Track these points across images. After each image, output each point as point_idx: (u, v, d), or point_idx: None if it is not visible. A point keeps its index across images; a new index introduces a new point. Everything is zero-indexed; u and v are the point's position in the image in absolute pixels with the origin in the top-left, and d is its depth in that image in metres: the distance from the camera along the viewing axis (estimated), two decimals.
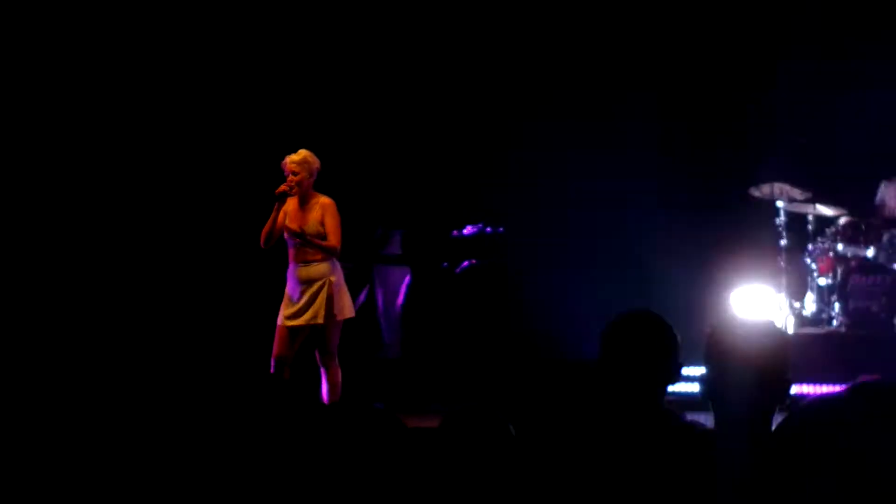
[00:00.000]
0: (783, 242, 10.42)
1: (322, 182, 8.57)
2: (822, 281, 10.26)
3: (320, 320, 8.27)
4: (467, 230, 10.98)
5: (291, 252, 8.36)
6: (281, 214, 8.31)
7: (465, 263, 10.88)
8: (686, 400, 4.69)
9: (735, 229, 10.57)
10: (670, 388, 3.74)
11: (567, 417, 4.17)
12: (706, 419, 3.61)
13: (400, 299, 10.68)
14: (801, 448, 3.28)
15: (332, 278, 8.30)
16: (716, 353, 3.46)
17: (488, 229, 10.96)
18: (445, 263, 10.91)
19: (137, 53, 10.77)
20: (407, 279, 10.75)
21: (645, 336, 3.69)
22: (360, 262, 10.69)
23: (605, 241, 10.74)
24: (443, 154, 11.20)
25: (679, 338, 3.71)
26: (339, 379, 8.42)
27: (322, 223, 8.28)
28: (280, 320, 8.38)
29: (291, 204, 8.35)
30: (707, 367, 3.50)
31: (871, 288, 10.08)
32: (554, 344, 9.47)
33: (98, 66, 10.70)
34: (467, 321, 10.65)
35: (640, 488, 3.49)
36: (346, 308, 8.43)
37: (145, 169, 10.79)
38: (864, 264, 10.11)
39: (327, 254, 8.29)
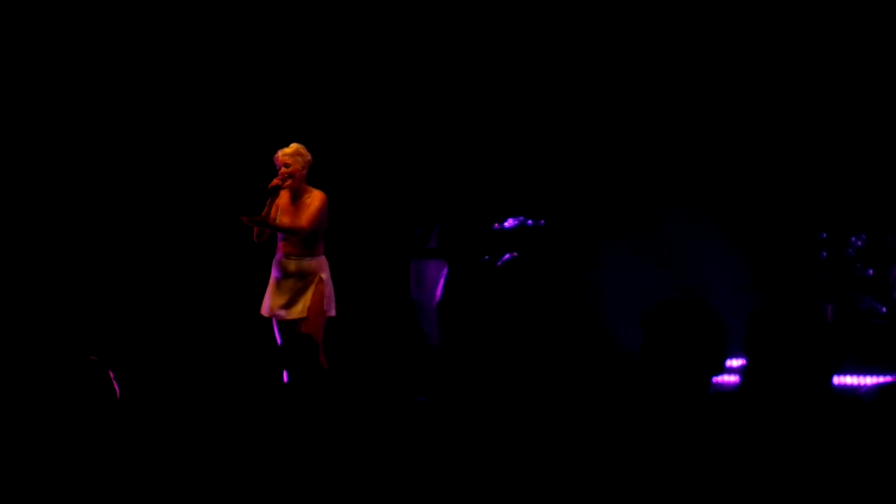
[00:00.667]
0: (825, 234, 10.37)
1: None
2: (865, 271, 10.20)
3: (306, 314, 8.21)
4: (508, 223, 10.97)
5: (280, 244, 8.33)
6: (273, 208, 8.26)
7: (507, 256, 10.88)
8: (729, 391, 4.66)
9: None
10: (716, 379, 3.69)
11: (612, 408, 4.13)
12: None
13: (438, 293, 10.68)
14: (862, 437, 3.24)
15: (323, 275, 8.26)
16: (755, 342, 3.41)
17: (529, 222, 10.94)
18: (486, 257, 10.91)
19: (143, 50, 10.80)
20: (444, 272, 10.76)
21: (690, 323, 3.61)
22: (400, 258, 10.70)
23: (648, 232, 10.72)
24: (484, 147, 11.18)
25: (726, 328, 3.65)
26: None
27: None
28: (267, 311, 8.36)
29: (284, 197, 8.30)
30: (747, 357, 3.45)
31: None
32: (597, 336, 9.42)
33: (98, 63, 10.72)
34: (508, 314, 10.63)
35: (687, 479, 3.44)
36: (331, 306, 8.36)
37: (141, 164, 10.82)
38: None
39: (291, 234, 8.23)
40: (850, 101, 10.59)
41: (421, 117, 11.16)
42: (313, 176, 8.46)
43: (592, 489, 3.56)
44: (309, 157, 8.30)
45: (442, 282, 10.71)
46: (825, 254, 10.43)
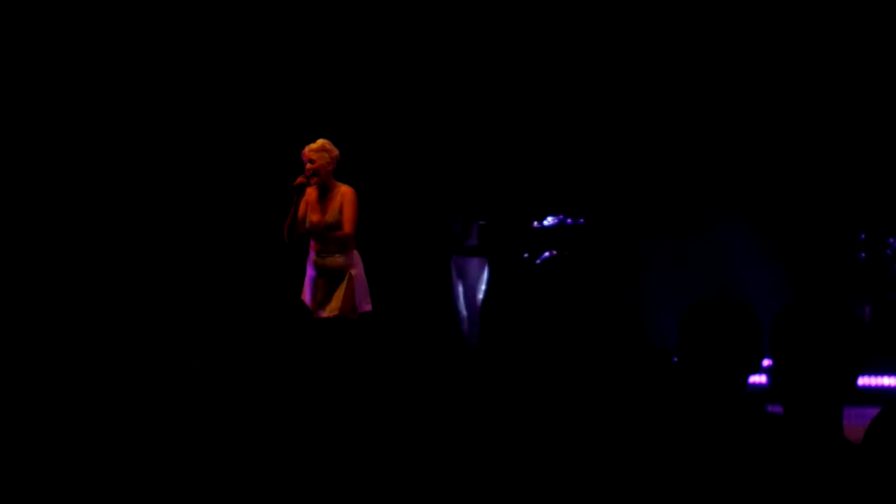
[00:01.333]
0: (864, 235, 10.37)
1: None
2: None
3: (338, 312, 8.15)
4: (548, 221, 10.98)
5: (312, 243, 8.27)
6: (302, 205, 8.21)
7: (546, 254, 10.90)
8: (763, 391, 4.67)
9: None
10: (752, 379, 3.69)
11: (649, 406, 4.16)
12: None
13: (480, 291, 10.71)
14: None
15: (353, 271, 8.19)
16: (781, 342, 3.37)
17: (569, 220, 10.95)
18: (526, 254, 10.93)
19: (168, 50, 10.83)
20: (486, 270, 10.78)
21: (727, 322, 3.61)
22: (439, 254, 10.73)
23: (688, 233, 10.73)
24: (524, 145, 11.20)
25: (761, 327, 3.65)
26: None
27: (340, 212, 8.17)
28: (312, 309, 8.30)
29: (312, 194, 8.21)
30: (773, 357, 3.41)
31: None
32: (634, 334, 9.46)
33: (120, 61, 10.76)
34: (548, 312, 10.64)
35: (724, 478, 3.46)
36: (365, 301, 8.30)
37: (175, 163, 10.86)
38: None
39: (340, 243, 8.16)
40: (891, 102, 10.57)
41: (460, 113, 11.17)
42: (348, 170, 8.40)
43: (626, 487, 3.61)
44: (336, 152, 8.19)
45: (484, 280, 10.73)
46: (863, 255, 10.43)
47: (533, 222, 10.98)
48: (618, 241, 10.93)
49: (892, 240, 10.32)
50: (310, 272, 8.29)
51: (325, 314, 8.17)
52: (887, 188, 10.53)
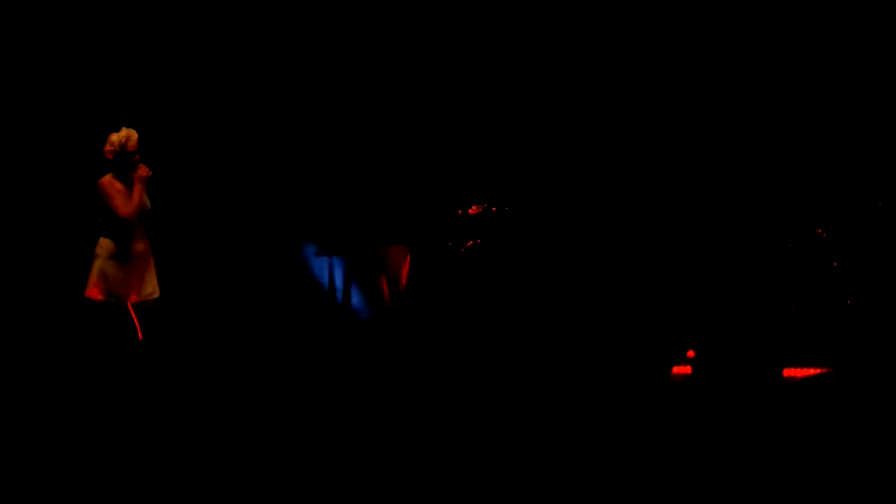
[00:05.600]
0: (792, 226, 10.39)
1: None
2: None
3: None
4: (472, 210, 10.95)
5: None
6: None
7: (470, 243, 10.86)
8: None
9: None
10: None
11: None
12: None
13: (402, 279, 10.66)
14: None
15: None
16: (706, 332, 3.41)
17: (493, 209, 10.93)
18: (450, 243, 10.89)
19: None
20: (407, 258, 10.75)
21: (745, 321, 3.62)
22: (365, 245, 10.68)
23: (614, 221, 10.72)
24: (447, 132, 11.18)
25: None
26: None
27: None
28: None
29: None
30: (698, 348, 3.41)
31: None
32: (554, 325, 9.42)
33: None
34: (471, 301, 10.64)
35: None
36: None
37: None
38: None
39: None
40: (818, 88, 10.62)
41: (387, 101, 11.14)
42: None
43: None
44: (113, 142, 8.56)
45: (405, 268, 10.69)
46: (791, 245, 10.41)
47: (458, 210, 10.95)
48: (541, 228, 10.89)
49: (819, 231, 10.33)
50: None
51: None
52: (816, 178, 10.55)
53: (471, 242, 10.85)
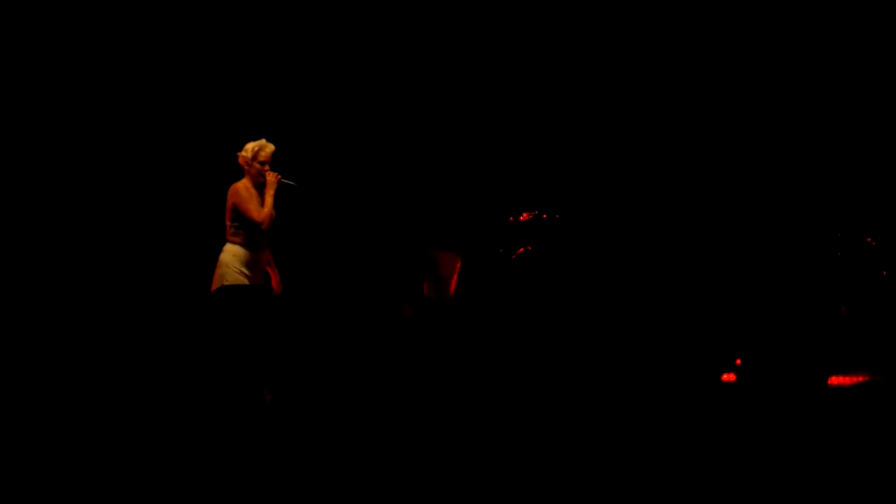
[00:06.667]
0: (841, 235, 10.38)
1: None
2: None
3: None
4: (523, 216, 10.96)
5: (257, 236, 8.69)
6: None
7: (521, 250, 10.87)
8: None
9: None
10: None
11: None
12: None
13: (452, 285, 10.68)
14: None
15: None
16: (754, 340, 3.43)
17: (545, 216, 10.94)
18: (501, 249, 10.91)
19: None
20: (458, 265, 10.76)
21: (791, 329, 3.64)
22: (415, 250, 10.72)
23: (663, 228, 10.72)
24: (500, 140, 11.19)
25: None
26: None
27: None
28: None
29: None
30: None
31: None
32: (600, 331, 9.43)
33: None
34: (522, 307, 10.64)
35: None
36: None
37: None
38: None
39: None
40: (871, 103, 10.56)
41: (439, 108, 11.16)
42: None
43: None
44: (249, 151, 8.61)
45: (456, 274, 10.71)
46: (840, 254, 10.39)
47: (508, 217, 10.96)
48: (594, 238, 10.91)
49: (868, 239, 10.31)
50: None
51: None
52: (865, 188, 10.52)
53: (522, 249, 10.88)
